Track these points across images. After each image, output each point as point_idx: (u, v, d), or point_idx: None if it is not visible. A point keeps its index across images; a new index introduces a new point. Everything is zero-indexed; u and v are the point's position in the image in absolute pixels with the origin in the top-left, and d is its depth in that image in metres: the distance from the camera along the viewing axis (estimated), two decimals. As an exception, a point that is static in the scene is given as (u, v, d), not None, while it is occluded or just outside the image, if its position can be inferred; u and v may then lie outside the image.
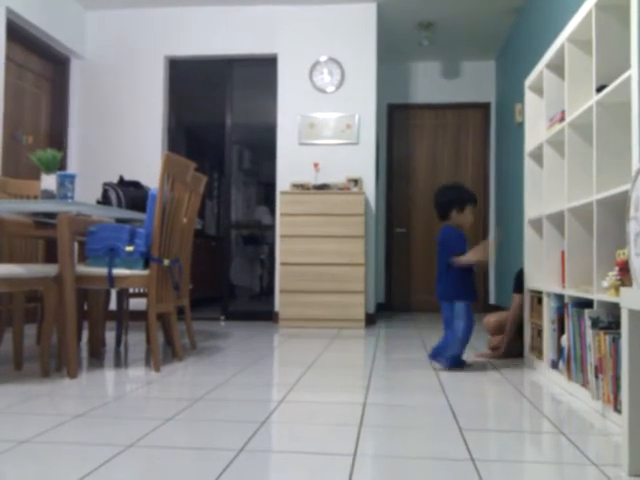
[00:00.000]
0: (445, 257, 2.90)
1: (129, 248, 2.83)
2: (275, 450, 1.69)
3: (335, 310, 4.71)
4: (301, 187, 5.00)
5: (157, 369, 2.79)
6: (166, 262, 2.90)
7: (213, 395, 2.31)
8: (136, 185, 3.73)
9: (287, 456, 1.63)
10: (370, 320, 4.98)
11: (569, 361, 2.45)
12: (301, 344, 3.86)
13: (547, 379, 2.72)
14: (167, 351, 3.38)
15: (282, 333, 4.42)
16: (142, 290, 4.02)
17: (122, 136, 5.36)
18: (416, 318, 5.76)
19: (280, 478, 1.48)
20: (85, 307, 3.34)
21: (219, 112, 5.59)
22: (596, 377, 2.11)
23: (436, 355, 2.94)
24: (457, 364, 2.91)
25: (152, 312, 2.83)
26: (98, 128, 5.39)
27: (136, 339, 3.93)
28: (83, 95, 5.43)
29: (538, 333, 2.96)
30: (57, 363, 2.77)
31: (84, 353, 3.30)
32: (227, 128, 5.52)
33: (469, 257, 2.85)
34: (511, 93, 5.54)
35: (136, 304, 4.15)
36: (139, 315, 3.78)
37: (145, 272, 2.82)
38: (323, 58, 5.23)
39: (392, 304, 6.54)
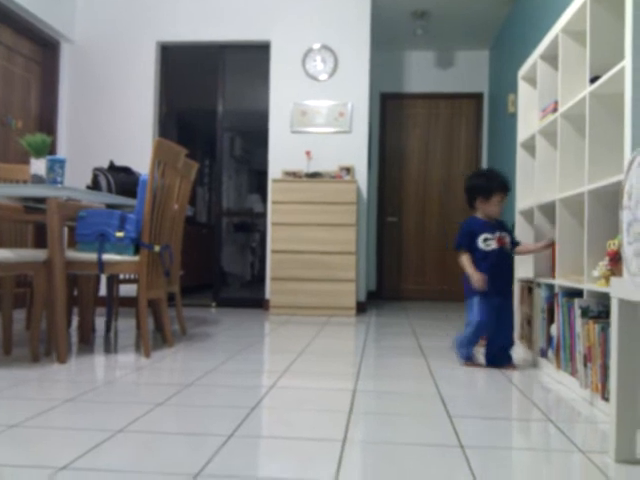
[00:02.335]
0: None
1: (119, 234, 2.81)
2: (265, 436, 1.70)
3: (326, 298, 4.71)
4: (293, 175, 4.99)
5: (147, 355, 2.79)
6: (156, 248, 2.89)
7: (203, 381, 2.31)
8: (127, 171, 3.71)
9: (277, 442, 1.63)
10: (361, 308, 5.00)
11: (558, 350, 2.47)
12: (291, 331, 3.87)
13: (536, 368, 2.74)
14: (157, 337, 3.37)
15: (273, 320, 4.42)
16: (132, 276, 4.01)
17: (113, 121, 5.31)
18: (407, 306, 5.79)
19: (270, 463, 1.49)
20: (75, 292, 3.33)
21: (211, 99, 5.54)
22: (585, 366, 2.12)
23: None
24: (469, 353, 2.78)
25: (142, 298, 2.82)
26: (88, 113, 5.34)
27: (126, 325, 3.92)
28: (73, 79, 5.37)
29: (528, 322, 2.98)
30: (47, 348, 2.76)
31: (74, 339, 3.29)
32: (219, 115, 5.49)
33: (469, 270, 2.72)
34: (504, 83, 5.54)
35: (126, 290, 4.14)
36: (129, 301, 3.77)
37: (135, 258, 2.80)
38: (316, 46, 5.20)
39: (383, 292, 6.56)
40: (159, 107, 5.42)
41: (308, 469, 1.41)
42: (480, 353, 2.86)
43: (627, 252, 0.85)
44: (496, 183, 2.78)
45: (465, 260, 2.75)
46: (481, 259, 2.72)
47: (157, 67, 5.37)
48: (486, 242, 2.74)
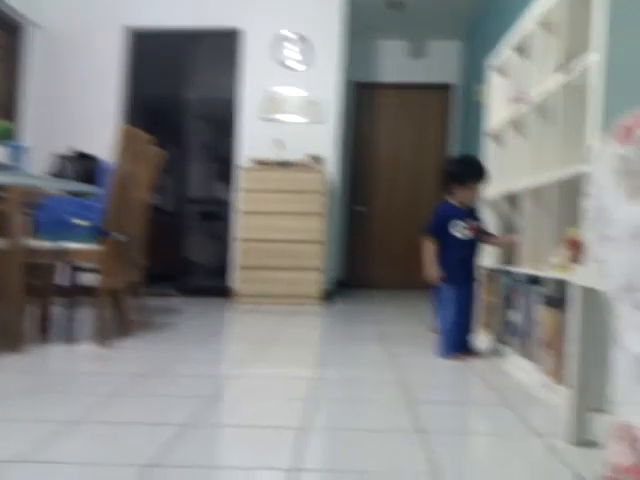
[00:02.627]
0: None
1: (81, 222, 2.75)
2: (224, 425, 1.68)
3: (292, 287, 4.69)
4: (262, 163, 4.94)
5: (107, 345, 2.73)
6: (119, 237, 2.83)
7: (163, 370, 2.28)
8: (90, 158, 3.63)
9: (236, 430, 1.61)
10: (328, 297, 4.99)
11: (518, 337, 2.50)
12: (256, 320, 3.84)
13: (497, 354, 2.76)
14: (119, 327, 3.31)
15: (238, 309, 4.39)
16: (93, 265, 3.92)
17: (78, 108, 5.18)
18: (374, 295, 5.81)
19: (228, 452, 1.47)
20: (34, 282, 3.24)
21: (179, 86, 5.46)
22: (542, 352, 2.15)
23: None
24: (453, 352, 2.64)
25: (103, 287, 2.77)
26: (53, 99, 5.19)
27: (86, 315, 3.84)
28: (38, 65, 5.21)
29: (489, 309, 3.00)
30: (3, 338, 2.68)
31: (32, 329, 3.21)
32: (187, 102, 5.40)
33: (427, 260, 2.72)
34: (475, 74, 5.57)
35: (87, 279, 4.04)
36: (90, 290, 3.69)
37: (97, 247, 2.74)
38: (287, 33, 5.14)
39: (352, 281, 6.58)
40: (125, 94, 5.30)
41: (266, 457, 1.40)
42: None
43: (589, 239, 0.85)
44: (475, 170, 2.76)
45: (428, 249, 2.72)
46: (456, 247, 2.70)
47: (124, 53, 5.24)
48: (460, 230, 2.71)
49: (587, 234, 0.86)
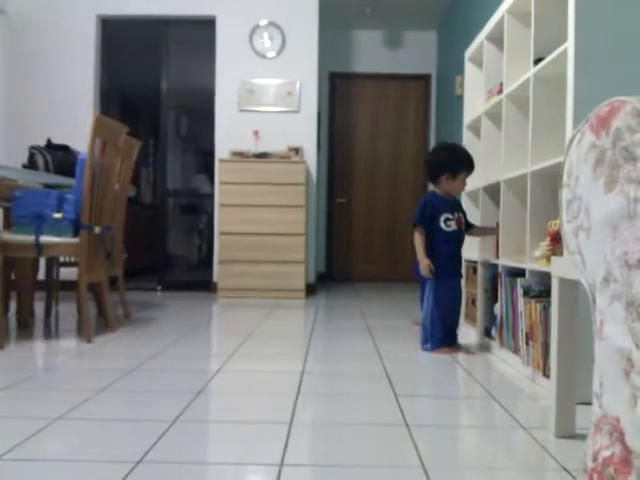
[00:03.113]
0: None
1: (57, 215, 2.70)
2: (210, 420, 1.67)
3: (275, 280, 4.68)
4: (241, 155, 4.90)
5: (88, 340, 2.70)
6: (97, 230, 2.79)
7: (147, 366, 2.26)
8: (65, 149, 3.56)
9: (222, 426, 1.61)
10: (310, 290, 4.99)
11: (501, 329, 2.52)
12: (239, 314, 3.83)
13: (480, 346, 2.79)
14: (100, 322, 3.28)
15: (220, 303, 4.37)
16: (73, 259, 3.87)
17: (50, 98, 5.08)
18: (356, 288, 5.82)
19: (215, 448, 1.46)
20: (12, 276, 3.18)
21: (155, 75, 5.37)
22: (527, 344, 2.18)
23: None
24: (436, 345, 2.61)
25: (83, 281, 2.73)
26: (25, 89, 5.08)
27: (67, 310, 3.79)
28: (8, 54, 5.09)
29: (472, 302, 3.03)
30: (-19, 335, 2.63)
31: (12, 324, 3.16)
32: (163, 92, 5.33)
33: (419, 253, 2.63)
34: (452, 65, 5.58)
35: (67, 273, 3.99)
36: (70, 285, 3.64)
37: (75, 240, 2.70)
38: (263, 22, 5.09)
39: (333, 274, 6.58)
40: (100, 83, 5.21)
41: (254, 453, 1.39)
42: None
43: (566, 230, 0.85)
44: (465, 160, 2.69)
45: (419, 240, 2.64)
46: (443, 241, 2.65)
47: (97, 42, 5.15)
48: (447, 222, 2.66)
49: (564, 225, 0.87)
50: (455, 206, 2.74)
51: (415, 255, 2.70)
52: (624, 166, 0.71)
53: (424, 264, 2.61)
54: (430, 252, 2.64)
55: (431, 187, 2.80)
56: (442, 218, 2.65)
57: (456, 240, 2.71)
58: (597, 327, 0.78)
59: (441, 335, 2.62)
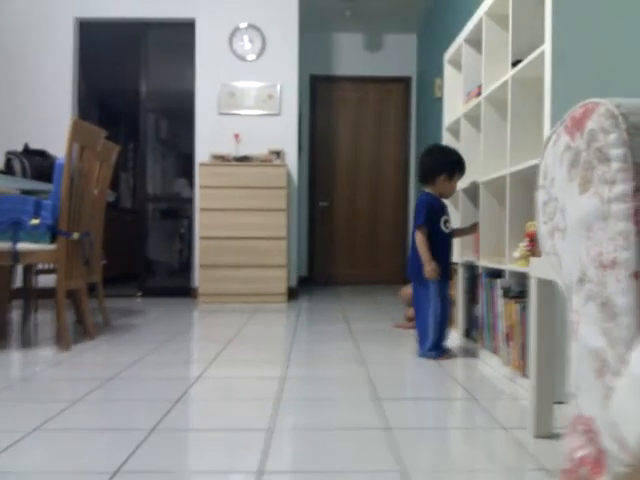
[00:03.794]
0: (414, 229, 2.61)
1: (35, 221, 2.66)
2: (190, 428, 1.65)
3: (256, 285, 4.66)
4: (221, 159, 4.87)
5: (67, 348, 2.65)
6: (75, 236, 2.75)
7: (126, 374, 2.22)
8: (42, 154, 3.52)
9: (202, 434, 1.58)
10: (292, 294, 4.98)
11: (481, 330, 2.53)
12: (221, 320, 3.80)
13: (461, 347, 2.80)
14: (79, 330, 3.23)
15: (201, 309, 4.34)
16: (50, 266, 3.82)
17: (27, 102, 5.01)
18: (338, 291, 5.82)
19: (194, 457, 1.44)
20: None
21: (134, 78, 5.33)
22: (506, 344, 2.18)
23: (421, 349, 2.60)
24: (438, 351, 2.55)
25: (61, 289, 2.68)
26: (1, 93, 5.01)
27: (45, 317, 3.74)
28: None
29: (452, 303, 3.04)
30: (-45, 344, 2.58)
31: (-13, 333, 3.10)
32: (142, 95, 5.29)
33: (425, 255, 2.53)
34: (431, 67, 5.61)
35: (45, 280, 3.93)
36: (48, 292, 3.59)
37: (52, 246, 2.66)
38: (243, 25, 5.08)
39: (315, 278, 6.57)
40: (78, 87, 5.15)
41: (236, 460, 1.37)
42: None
43: (542, 231, 0.86)
44: (461, 162, 2.66)
45: (424, 242, 2.54)
46: (443, 243, 2.61)
47: (75, 45, 5.10)
48: (446, 224, 2.63)
49: (540, 226, 0.87)
50: (446, 208, 2.71)
51: (409, 256, 2.66)
52: (598, 167, 0.71)
53: (432, 266, 2.52)
54: (433, 254, 2.55)
55: (426, 189, 2.70)
56: (442, 220, 2.62)
57: (449, 241, 2.69)
58: (572, 327, 0.78)
59: (443, 340, 2.58)
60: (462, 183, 2.90)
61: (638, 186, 0.69)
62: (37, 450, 1.43)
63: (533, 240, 2.04)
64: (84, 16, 5.10)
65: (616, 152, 0.70)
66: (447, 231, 2.64)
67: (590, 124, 0.74)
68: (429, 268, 2.52)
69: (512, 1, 2.32)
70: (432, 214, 2.59)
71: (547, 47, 1.94)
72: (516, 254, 2.17)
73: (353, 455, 1.41)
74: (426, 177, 2.65)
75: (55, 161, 2.84)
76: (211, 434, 1.57)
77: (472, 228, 2.79)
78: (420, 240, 2.55)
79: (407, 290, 3.49)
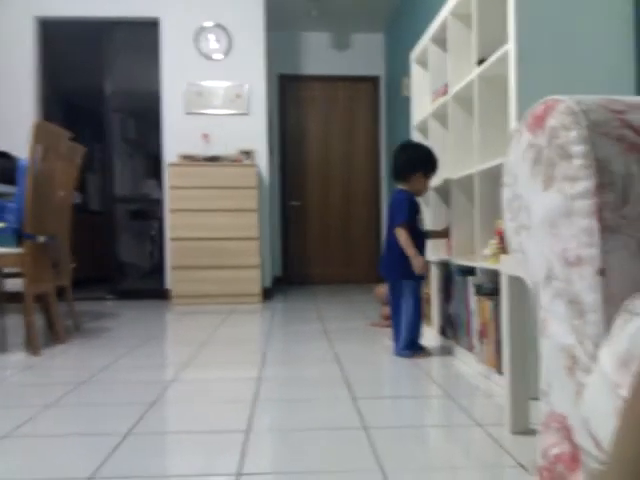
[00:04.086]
0: (391, 227, 2.57)
1: (-1, 225, 2.60)
2: (165, 432, 1.63)
3: (230, 286, 4.63)
4: (190, 159, 4.83)
5: (36, 353, 2.61)
6: (41, 239, 2.70)
7: (98, 378, 2.19)
8: (5, 156, 3.44)
9: (178, 437, 1.57)
10: (267, 294, 4.96)
11: (455, 327, 2.56)
12: (194, 322, 3.77)
13: (436, 345, 2.82)
14: (49, 334, 3.17)
15: (174, 311, 4.30)
16: (17, 269, 3.74)
17: (-10, 103, 4.89)
18: (313, 291, 5.82)
19: (169, 461, 1.43)
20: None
21: (98, 78, 5.24)
22: (480, 342, 2.21)
23: (397, 348, 2.59)
24: (413, 349, 2.55)
25: (28, 292, 2.63)
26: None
27: (14, 322, 3.66)
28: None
29: (427, 301, 3.07)
30: None
31: (-48, 341, 3.03)
32: (107, 95, 5.20)
33: (411, 251, 2.49)
34: (399, 66, 5.65)
35: (12, 284, 3.85)
36: (16, 296, 3.51)
37: (18, 250, 2.60)
38: (208, 24, 5.04)
39: (289, 277, 6.56)
40: (40, 87, 5.04)
41: (213, 463, 1.37)
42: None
43: (508, 229, 0.87)
44: (434, 159, 2.63)
45: (408, 239, 2.50)
46: (421, 241, 2.59)
47: (36, 44, 4.98)
48: (422, 222, 2.63)
49: (506, 224, 0.88)
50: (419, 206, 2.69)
51: (382, 254, 2.65)
52: (560, 164, 0.72)
53: (420, 261, 2.50)
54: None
55: (400, 186, 2.66)
56: (419, 217, 2.62)
57: (423, 239, 2.66)
58: (541, 324, 0.79)
59: (418, 338, 2.58)
60: (434, 181, 2.93)
61: (600, 182, 0.69)
62: (8, 457, 1.40)
63: (503, 237, 2.07)
64: (45, 15, 4.99)
65: (577, 149, 0.70)
66: (422, 229, 2.65)
67: (551, 121, 0.74)
68: (418, 263, 2.49)
69: (476, 1, 2.35)
70: (412, 212, 2.57)
71: (511, 46, 1.97)
72: (487, 251, 2.20)
73: (331, 455, 1.41)
74: (400, 174, 2.61)
75: (22, 163, 2.78)
76: (187, 437, 1.56)
77: (446, 231, 2.77)
78: (404, 237, 2.51)
79: (382, 289, 3.51)
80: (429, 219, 3.03)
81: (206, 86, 5.03)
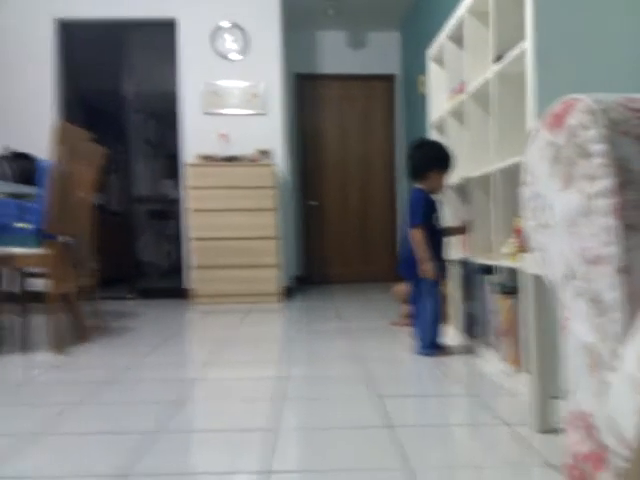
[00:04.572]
0: (408, 226, 2.56)
1: (21, 225, 2.65)
2: (190, 429, 1.66)
3: (249, 285, 4.66)
4: (208, 159, 4.87)
5: (61, 352, 2.66)
6: (62, 239, 2.74)
7: (123, 376, 2.23)
8: (26, 157, 3.50)
9: (203, 435, 1.60)
10: (286, 293, 4.98)
11: (477, 326, 2.55)
12: (215, 320, 3.81)
13: (457, 344, 2.82)
14: (74, 333, 3.22)
15: (195, 310, 4.34)
16: (42, 270, 3.81)
17: (9, 105, 4.96)
18: (332, 290, 5.83)
19: (196, 457, 1.45)
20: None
21: (117, 79, 5.30)
22: (501, 340, 2.21)
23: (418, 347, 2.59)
24: (434, 348, 2.55)
25: (53, 292, 2.69)
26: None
27: (39, 322, 3.72)
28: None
29: (447, 300, 3.06)
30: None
31: (-21, 340, 3.09)
32: (126, 97, 5.26)
33: (422, 254, 2.50)
34: (415, 64, 5.64)
35: (37, 284, 3.92)
36: (42, 296, 3.57)
37: (40, 250, 2.65)
38: (225, 24, 5.07)
39: (308, 277, 6.57)
40: (60, 89, 5.12)
41: (237, 461, 1.39)
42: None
43: (527, 228, 0.87)
44: (450, 156, 2.61)
45: (423, 241, 2.51)
46: (438, 240, 2.59)
47: (56, 46, 5.05)
48: (439, 221, 2.62)
49: (526, 222, 0.89)
50: (437, 204, 2.68)
51: (401, 253, 2.65)
52: (579, 163, 0.73)
53: (428, 266, 2.50)
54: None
55: (416, 184, 2.66)
56: (435, 216, 2.61)
57: (441, 237, 2.66)
58: (563, 323, 0.80)
59: (438, 337, 2.58)
60: (451, 179, 2.93)
61: (620, 181, 0.69)
62: (36, 454, 1.44)
63: (522, 236, 2.07)
64: (64, 17, 5.06)
65: (596, 148, 0.70)
66: (439, 228, 2.65)
67: (570, 120, 0.75)
68: (426, 268, 2.50)
69: (491, -3, 2.34)
70: (428, 211, 2.56)
71: (529, 43, 1.97)
72: (505, 250, 2.19)
73: (357, 453, 1.43)
74: (417, 172, 2.60)
75: (42, 164, 2.83)
76: (213, 435, 1.58)
77: (463, 228, 2.75)
78: (418, 240, 2.51)
79: (400, 287, 3.51)
80: (447, 217, 3.02)
81: (223, 86, 5.07)
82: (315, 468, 1.34)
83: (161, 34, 5.19)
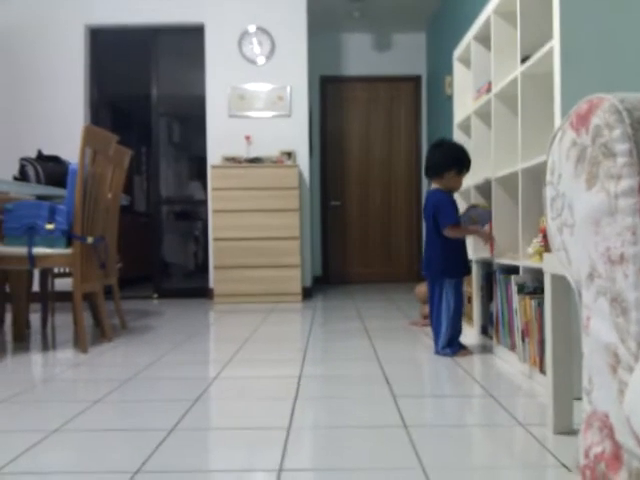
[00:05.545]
0: (436, 226, 2.55)
1: (49, 226, 2.70)
2: (209, 428, 1.67)
3: (271, 285, 4.68)
4: (233, 160, 4.91)
5: (84, 350, 2.69)
6: (90, 240, 2.79)
7: (144, 375, 2.25)
8: (56, 160, 3.56)
9: (221, 432, 1.61)
10: (307, 294, 4.99)
11: (497, 326, 2.53)
12: (236, 320, 3.83)
13: (477, 344, 2.79)
14: (97, 332, 3.27)
15: (217, 310, 4.37)
16: (67, 270, 3.87)
17: (40, 109, 5.08)
18: (353, 290, 5.82)
19: (216, 455, 1.46)
20: (7, 289, 3.18)
21: (145, 84, 5.38)
22: (523, 341, 2.18)
23: (437, 347, 2.58)
24: (454, 348, 2.54)
25: (77, 292, 2.72)
26: (14, 101, 5.08)
27: (63, 320, 3.79)
28: (-5, 65, 5.09)
29: (468, 300, 3.04)
30: (-24, 349, 2.63)
31: (8, 337, 3.15)
32: (154, 100, 5.33)
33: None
34: (441, 65, 5.60)
35: (62, 284, 3.99)
36: (65, 295, 3.64)
37: (68, 251, 2.70)
38: (252, 28, 5.11)
39: (329, 277, 6.58)
40: (90, 93, 5.21)
41: (256, 458, 1.39)
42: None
43: (550, 228, 0.86)
44: (468, 157, 2.63)
45: (460, 230, 2.55)
46: (456, 239, 2.58)
47: (86, 52, 5.16)
48: (462, 219, 2.62)
49: (548, 222, 0.88)
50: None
51: (424, 255, 2.67)
52: (604, 162, 0.72)
53: (486, 233, 2.60)
54: (449, 251, 2.55)
55: (433, 185, 2.66)
56: (459, 215, 2.61)
57: (463, 237, 2.67)
58: (584, 323, 0.78)
59: (458, 337, 2.57)
60: (475, 180, 2.90)
61: None
62: (59, 450, 1.45)
63: (546, 235, 2.04)
64: (94, 23, 5.16)
65: (621, 147, 0.70)
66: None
67: (595, 120, 0.74)
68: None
69: (518, -2, 2.32)
70: (456, 211, 2.58)
71: (556, 43, 1.94)
72: (530, 250, 2.17)
73: (372, 452, 1.42)
74: (435, 171, 2.61)
75: (68, 166, 2.88)
76: (230, 433, 1.59)
77: (485, 232, 2.71)
78: (457, 230, 2.54)
79: (422, 288, 3.48)
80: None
81: (249, 89, 5.10)
82: (330, 466, 1.34)
83: (189, 39, 5.26)
